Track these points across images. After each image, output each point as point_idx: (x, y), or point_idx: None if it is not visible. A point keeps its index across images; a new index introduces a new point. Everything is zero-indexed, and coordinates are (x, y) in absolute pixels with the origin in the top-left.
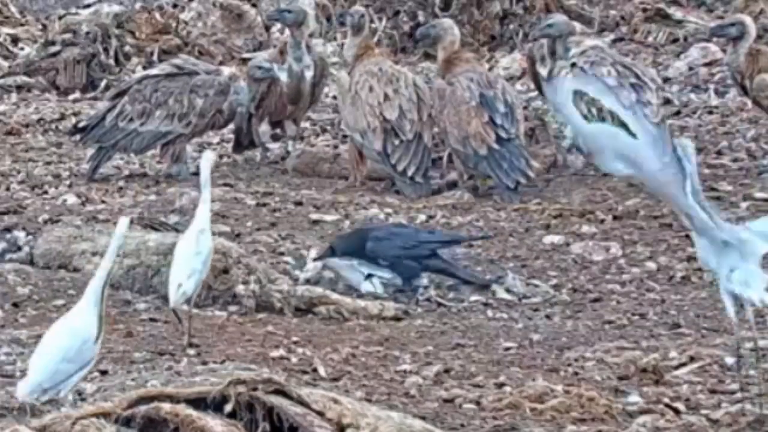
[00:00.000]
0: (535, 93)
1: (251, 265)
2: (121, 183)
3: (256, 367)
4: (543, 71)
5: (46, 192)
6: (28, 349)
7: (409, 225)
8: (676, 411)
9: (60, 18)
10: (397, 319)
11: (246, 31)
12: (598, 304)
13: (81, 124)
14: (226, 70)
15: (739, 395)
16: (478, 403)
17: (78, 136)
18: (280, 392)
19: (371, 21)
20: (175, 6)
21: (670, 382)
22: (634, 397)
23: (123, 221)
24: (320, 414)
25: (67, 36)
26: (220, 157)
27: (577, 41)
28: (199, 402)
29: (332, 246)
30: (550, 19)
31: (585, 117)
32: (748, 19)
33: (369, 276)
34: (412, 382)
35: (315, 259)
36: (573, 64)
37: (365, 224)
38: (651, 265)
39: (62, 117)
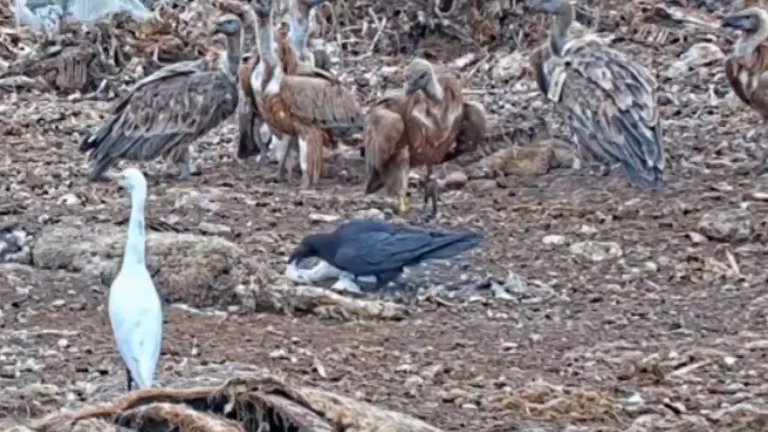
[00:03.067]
0: (535, 93)
1: (251, 265)
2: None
3: (256, 367)
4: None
5: (46, 192)
6: (28, 349)
7: (384, 226)
8: (676, 411)
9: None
10: (397, 319)
11: (246, 31)
12: (598, 304)
13: (91, 139)
14: (208, 56)
15: (739, 395)
16: (478, 403)
17: (90, 151)
18: (280, 392)
19: (371, 21)
20: (175, 6)
21: (670, 382)
22: (634, 397)
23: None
24: (320, 414)
25: (67, 36)
26: (221, 156)
27: (576, 34)
28: (199, 402)
29: (307, 245)
30: None
31: (580, 117)
32: (764, 14)
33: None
34: (412, 382)
35: (290, 260)
36: (567, 63)
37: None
38: (651, 265)
39: (62, 117)
